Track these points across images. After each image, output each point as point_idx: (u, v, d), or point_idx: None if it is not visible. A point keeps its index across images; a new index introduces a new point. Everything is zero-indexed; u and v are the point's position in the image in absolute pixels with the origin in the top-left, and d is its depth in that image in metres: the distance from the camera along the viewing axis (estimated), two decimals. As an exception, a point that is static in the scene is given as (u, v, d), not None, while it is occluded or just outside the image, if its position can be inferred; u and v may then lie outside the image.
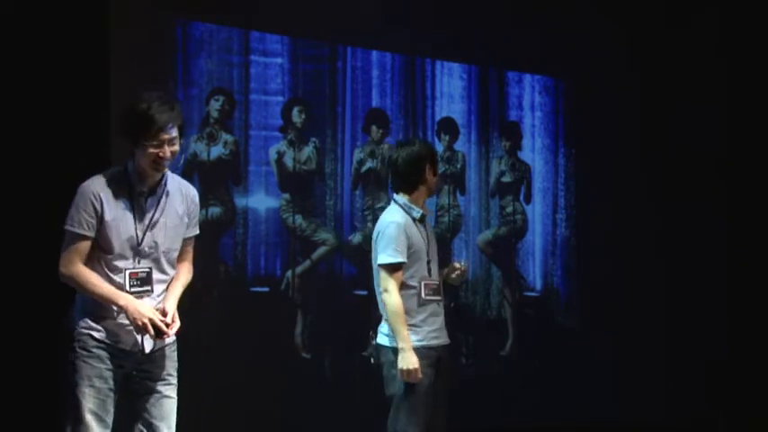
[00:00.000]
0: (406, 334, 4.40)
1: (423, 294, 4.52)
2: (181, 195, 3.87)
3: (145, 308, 3.66)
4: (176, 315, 3.75)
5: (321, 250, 6.65)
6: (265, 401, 6.25)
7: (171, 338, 3.82)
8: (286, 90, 6.60)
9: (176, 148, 3.71)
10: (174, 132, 3.68)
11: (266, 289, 6.50)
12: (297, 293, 6.57)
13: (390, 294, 4.44)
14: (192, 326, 5.98)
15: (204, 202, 6.25)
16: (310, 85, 6.69)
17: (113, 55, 5.73)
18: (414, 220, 4.56)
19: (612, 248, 7.69)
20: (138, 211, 3.71)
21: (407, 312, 4.47)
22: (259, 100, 6.50)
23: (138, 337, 3.72)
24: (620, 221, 7.73)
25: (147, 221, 3.72)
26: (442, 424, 4.58)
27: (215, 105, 6.34)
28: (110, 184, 3.69)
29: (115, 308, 3.67)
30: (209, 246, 6.26)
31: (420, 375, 4.38)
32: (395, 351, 4.44)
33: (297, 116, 6.63)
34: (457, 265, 4.67)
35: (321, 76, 6.73)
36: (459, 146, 7.29)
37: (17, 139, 5.49)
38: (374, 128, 6.91)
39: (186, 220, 3.89)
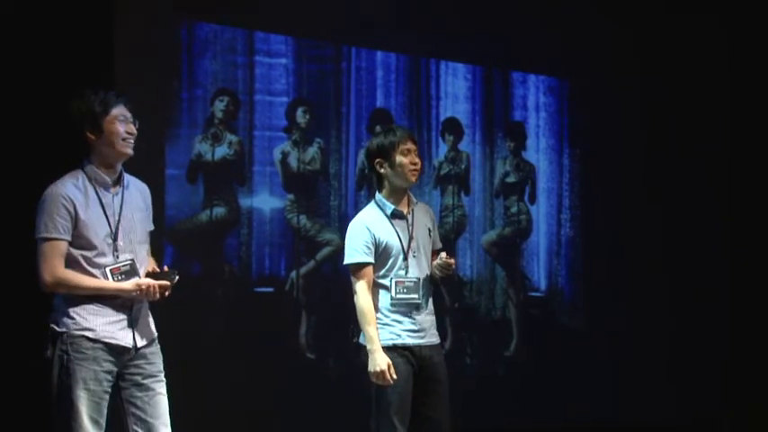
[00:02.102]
0: (373, 335, 4.25)
1: (394, 293, 4.34)
2: (137, 190, 3.90)
3: (136, 279, 3.70)
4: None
5: (325, 251, 6.65)
6: (269, 402, 6.25)
7: (155, 335, 3.85)
8: (290, 90, 6.60)
9: (136, 129, 3.78)
10: (128, 113, 3.76)
11: (271, 289, 6.50)
12: (301, 294, 6.57)
13: (356, 295, 4.30)
14: (196, 326, 6.03)
15: (209, 203, 6.26)
16: (315, 86, 6.69)
17: (117, 55, 5.73)
18: (387, 216, 4.40)
19: (617, 248, 7.69)
20: (108, 208, 3.73)
21: (380, 311, 4.34)
22: (263, 100, 6.50)
23: (130, 333, 3.73)
24: (624, 221, 7.72)
25: (116, 215, 3.74)
26: (444, 425, 4.43)
27: (219, 106, 6.34)
28: (75, 185, 3.71)
29: (113, 293, 3.69)
30: (214, 246, 6.27)
31: (388, 377, 4.22)
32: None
33: (301, 116, 6.63)
34: (443, 255, 4.42)
35: (325, 76, 6.73)
36: (464, 146, 7.29)
37: (20, 141, 5.49)
38: (378, 128, 6.90)
39: (147, 213, 3.91)
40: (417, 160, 4.39)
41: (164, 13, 6.07)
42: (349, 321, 6.56)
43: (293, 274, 6.56)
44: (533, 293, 7.58)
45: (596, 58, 7.65)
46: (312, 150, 6.66)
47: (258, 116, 6.48)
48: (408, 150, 4.36)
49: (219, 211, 6.32)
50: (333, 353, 6.59)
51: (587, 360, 7.50)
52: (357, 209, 6.75)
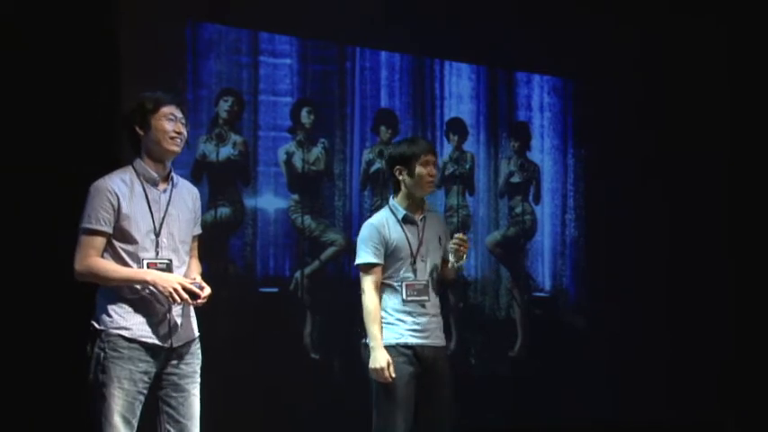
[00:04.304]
0: (375, 333, 4.39)
1: (405, 295, 4.46)
2: (187, 192, 3.95)
3: (171, 276, 3.72)
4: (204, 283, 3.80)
5: (330, 251, 6.65)
6: (274, 402, 6.26)
7: (195, 335, 3.87)
8: (295, 91, 6.60)
9: (185, 131, 3.84)
10: (180, 114, 3.81)
11: (275, 289, 6.50)
12: (306, 294, 6.57)
13: (364, 294, 4.45)
14: (200, 326, 6.03)
15: (213, 203, 6.27)
16: (319, 86, 6.70)
17: (122, 56, 5.74)
18: (398, 220, 4.53)
19: (621, 249, 7.68)
20: (153, 204, 3.77)
21: (385, 311, 4.46)
22: (268, 101, 6.51)
23: (167, 332, 3.75)
24: (628, 221, 7.72)
25: (162, 213, 3.78)
26: (443, 427, 4.49)
27: (224, 106, 6.35)
28: (122, 180, 3.75)
29: (139, 287, 3.69)
30: (219, 246, 6.27)
31: (387, 375, 4.33)
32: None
33: (306, 117, 6.64)
34: (458, 234, 4.52)
35: (330, 76, 6.74)
36: (468, 146, 7.29)
37: (26, 141, 5.50)
38: (383, 128, 6.91)
39: (194, 215, 3.94)
40: (434, 172, 4.55)
41: (168, 13, 6.08)
42: (354, 321, 6.60)
43: (298, 274, 6.56)
44: (538, 294, 7.58)
45: (600, 58, 7.64)
46: (316, 151, 6.67)
47: (263, 116, 6.48)
48: (428, 162, 4.53)
49: (224, 211, 6.32)
50: (337, 353, 6.59)
51: (592, 360, 7.50)
52: (362, 209, 6.78)
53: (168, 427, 3.78)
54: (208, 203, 6.23)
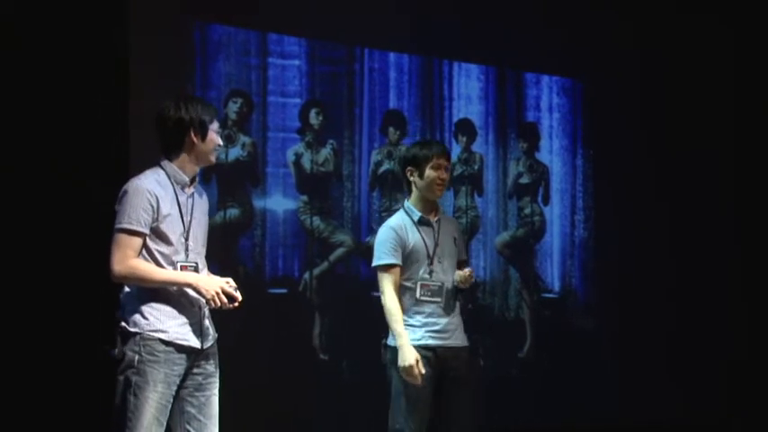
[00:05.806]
0: (400, 331, 4.42)
1: (418, 295, 4.50)
2: (202, 196, 3.96)
3: (212, 279, 3.75)
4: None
5: (339, 252, 6.66)
6: (283, 403, 6.26)
7: (216, 334, 3.90)
8: (303, 92, 6.61)
9: None
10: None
11: (284, 290, 6.51)
12: (315, 295, 6.58)
13: (384, 295, 4.48)
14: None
15: (222, 204, 6.28)
16: (328, 87, 6.70)
17: (132, 58, 5.75)
18: (414, 222, 4.56)
19: (630, 249, 7.67)
20: (183, 206, 3.77)
21: (405, 312, 4.48)
22: (277, 102, 6.52)
23: (199, 334, 3.76)
24: (637, 222, 7.71)
25: (189, 216, 3.78)
26: (469, 427, 4.53)
27: (233, 107, 6.36)
28: (157, 181, 3.74)
29: (175, 288, 3.69)
30: (228, 247, 6.28)
31: (416, 372, 4.35)
32: (393, 350, 4.46)
33: (314, 118, 6.64)
34: (467, 269, 4.59)
35: (338, 77, 6.74)
36: (477, 147, 7.29)
37: (35, 142, 5.52)
38: (391, 129, 6.92)
39: (207, 218, 3.96)
40: (445, 176, 4.60)
41: (177, 15, 6.09)
42: (362, 322, 6.61)
43: (306, 275, 6.57)
44: (547, 295, 7.57)
45: (610, 59, 7.64)
46: (325, 152, 6.67)
47: (271, 117, 6.49)
48: (439, 165, 4.57)
49: (233, 212, 6.33)
50: (346, 354, 6.60)
51: (601, 361, 7.49)
52: (370, 210, 6.79)
53: (188, 426, 3.78)
54: (217, 205, 6.24)
